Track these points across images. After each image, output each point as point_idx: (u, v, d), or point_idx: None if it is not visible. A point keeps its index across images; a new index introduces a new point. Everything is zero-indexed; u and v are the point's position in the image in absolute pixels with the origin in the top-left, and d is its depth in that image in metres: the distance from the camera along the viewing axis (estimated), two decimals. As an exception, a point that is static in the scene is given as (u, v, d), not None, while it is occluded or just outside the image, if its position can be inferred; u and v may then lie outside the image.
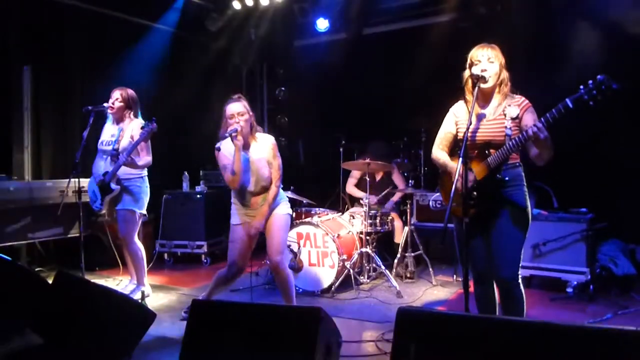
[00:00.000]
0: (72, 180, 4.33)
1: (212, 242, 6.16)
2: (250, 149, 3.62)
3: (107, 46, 6.21)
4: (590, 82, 2.32)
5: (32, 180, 5.45)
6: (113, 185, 4.19)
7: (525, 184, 2.82)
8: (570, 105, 2.36)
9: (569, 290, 4.41)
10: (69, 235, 5.26)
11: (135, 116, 4.38)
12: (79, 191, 4.17)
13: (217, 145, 3.58)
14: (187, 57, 6.98)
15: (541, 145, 2.53)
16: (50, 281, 3.41)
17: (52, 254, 5.59)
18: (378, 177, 5.80)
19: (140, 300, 4.15)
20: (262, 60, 7.76)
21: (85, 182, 4.54)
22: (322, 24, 6.76)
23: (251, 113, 3.62)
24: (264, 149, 3.64)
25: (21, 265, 3.77)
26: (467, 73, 2.81)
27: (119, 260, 4.79)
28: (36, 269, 5.17)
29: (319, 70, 6.92)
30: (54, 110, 5.85)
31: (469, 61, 2.80)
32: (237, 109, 3.54)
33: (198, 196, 6.16)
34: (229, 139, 3.47)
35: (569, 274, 4.45)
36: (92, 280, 3.58)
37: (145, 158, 4.26)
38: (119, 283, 4.91)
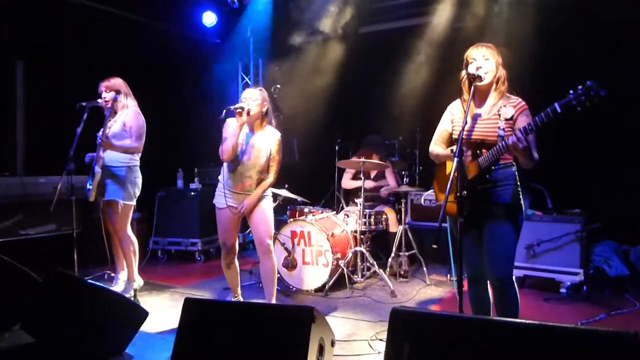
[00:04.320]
0: (65, 176, 4.30)
1: (206, 239, 6.15)
2: (255, 135, 3.72)
3: (101, 42, 6.17)
4: (580, 87, 2.32)
5: (25, 176, 5.42)
6: (96, 169, 4.12)
7: (518, 183, 2.81)
8: (559, 110, 2.36)
9: (563, 290, 4.42)
10: (62, 232, 5.23)
11: (128, 98, 4.34)
12: (72, 188, 4.14)
13: (224, 116, 3.61)
14: (182, 54, 6.95)
15: (520, 154, 2.55)
16: (42, 278, 3.39)
17: (45, 251, 5.55)
18: (372, 174, 5.79)
19: (132, 298, 4.13)
20: (257, 57, 7.74)
21: (77, 178, 4.51)
22: (318, 23, 6.71)
23: (266, 103, 3.73)
24: (269, 141, 3.74)
25: (13, 262, 3.73)
26: (463, 73, 2.81)
27: (108, 257, 4.76)
28: (28, 266, 5.12)
29: (314, 68, 6.90)
30: (47, 106, 5.81)
31: (464, 61, 2.81)
32: (251, 94, 3.69)
33: (192, 193, 6.15)
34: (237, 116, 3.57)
35: (563, 274, 4.46)
36: (85, 278, 3.55)
37: (130, 142, 4.20)
38: (107, 277, 4.88)
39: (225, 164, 3.77)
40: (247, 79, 7.36)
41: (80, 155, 4.47)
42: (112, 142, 4.13)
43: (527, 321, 1.97)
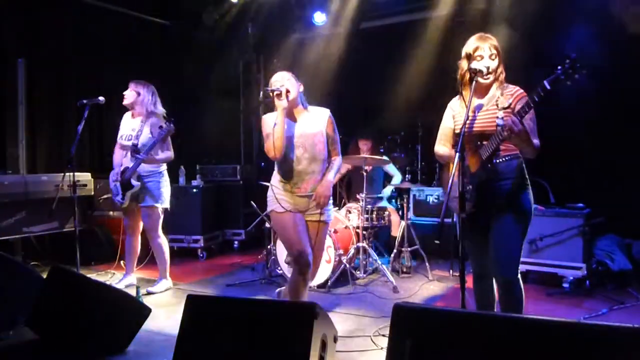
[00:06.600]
0: (67, 174, 4.31)
1: (208, 236, 6.16)
2: (300, 122, 3.24)
3: (103, 39, 6.17)
4: (567, 61, 2.31)
5: (27, 174, 5.42)
6: (134, 182, 4.28)
7: (525, 176, 2.78)
8: (548, 87, 2.33)
9: (565, 285, 4.41)
10: (64, 230, 5.25)
11: (154, 107, 4.45)
12: (74, 185, 4.16)
13: (262, 98, 3.38)
14: (183, 50, 6.94)
15: (518, 139, 2.50)
16: (45, 276, 3.40)
17: (47, 249, 5.57)
18: (369, 169, 5.76)
19: (135, 295, 4.14)
20: (258, 53, 7.73)
21: (79, 175, 4.53)
22: (319, 18, 6.73)
23: (300, 83, 3.25)
24: (320, 122, 3.25)
25: (16, 259, 3.74)
26: (464, 65, 2.74)
27: (117, 254, 4.81)
28: (31, 264, 5.15)
29: (315, 64, 6.88)
30: (49, 104, 5.82)
31: (465, 53, 2.75)
32: (282, 75, 3.21)
33: (194, 190, 6.15)
34: (274, 112, 3.16)
35: (566, 269, 4.45)
36: (87, 275, 3.56)
37: (165, 153, 4.40)
38: (112, 277, 4.91)
39: (277, 167, 3.29)
40: (248, 75, 7.35)
41: (83, 154, 4.49)
42: (154, 157, 4.29)
43: (530, 316, 1.97)
